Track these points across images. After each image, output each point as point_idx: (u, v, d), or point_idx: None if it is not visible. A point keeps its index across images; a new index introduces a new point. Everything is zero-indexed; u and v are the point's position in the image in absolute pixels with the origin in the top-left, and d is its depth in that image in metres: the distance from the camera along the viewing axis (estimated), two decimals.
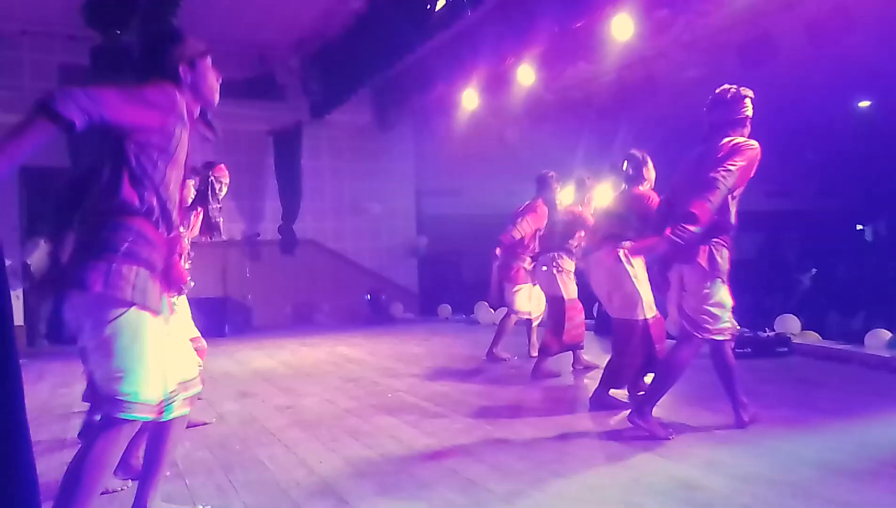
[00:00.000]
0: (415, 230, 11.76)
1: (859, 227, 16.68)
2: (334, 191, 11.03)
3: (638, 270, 3.99)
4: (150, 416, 2.05)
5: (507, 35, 7.13)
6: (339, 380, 5.29)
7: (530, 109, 9.66)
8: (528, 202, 5.72)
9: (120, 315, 1.97)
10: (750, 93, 3.37)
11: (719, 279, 3.27)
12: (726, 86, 3.41)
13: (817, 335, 6.17)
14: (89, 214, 2.07)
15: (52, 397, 5.09)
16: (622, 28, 6.53)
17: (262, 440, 3.58)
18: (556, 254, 5.13)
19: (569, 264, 5.12)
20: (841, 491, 2.52)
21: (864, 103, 11.67)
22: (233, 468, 3.12)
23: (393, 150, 11.34)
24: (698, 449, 3.11)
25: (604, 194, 5.40)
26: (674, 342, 3.51)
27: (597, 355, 5.50)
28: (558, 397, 4.49)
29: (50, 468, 3.08)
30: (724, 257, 3.26)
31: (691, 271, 3.28)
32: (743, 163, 3.16)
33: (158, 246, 2.08)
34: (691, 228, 3.07)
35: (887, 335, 5.39)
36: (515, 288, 5.73)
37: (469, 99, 9.03)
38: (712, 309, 3.26)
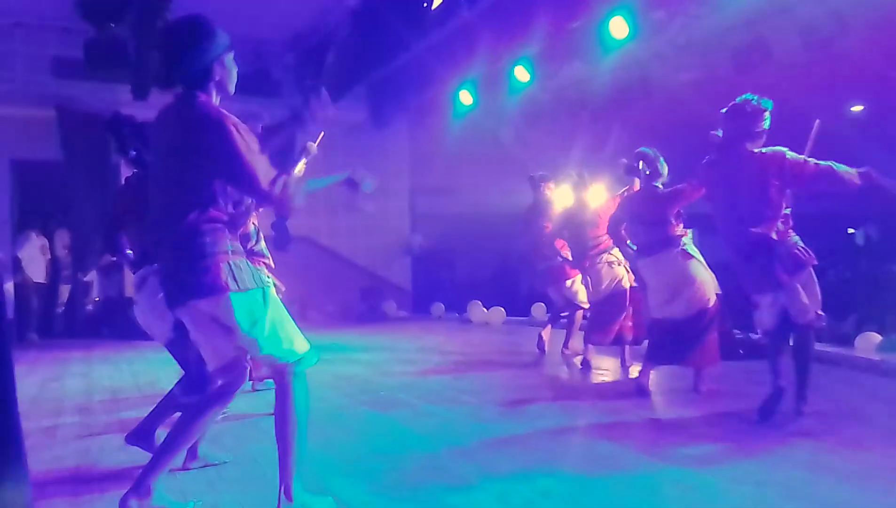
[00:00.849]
0: (409, 228, 11.75)
1: (850, 231, 16.78)
2: (328, 188, 10.98)
3: (698, 256, 4.16)
4: (316, 359, 2.41)
5: (503, 34, 7.14)
6: (331, 377, 5.27)
7: (525, 109, 9.66)
8: (533, 205, 5.79)
9: (259, 297, 2.21)
10: (770, 105, 3.45)
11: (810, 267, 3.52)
12: (748, 97, 3.47)
13: None
14: (175, 223, 2.16)
15: (42, 391, 5.06)
16: (618, 29, 6.55)
17: (254, 437, 3.57)
18: (611, 248, 5.15)
19: (620, 255, 5.13)
20: (832, 492, 2.54)
21: (857, 108, 11.73)
22: (224, 464, 3.10)
23: (388, 148, 11.32)
24: (690, 449, 3.13)
25: (599, 194, 5.42)
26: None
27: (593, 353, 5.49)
28: (555, 395, 4.50)
29: (41, 461, 3.07)
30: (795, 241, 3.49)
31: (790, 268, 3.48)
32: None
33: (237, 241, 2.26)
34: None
35: (877, 338, 5.43)
36: (572, 282, 5.73)
37: (464, 98, 9.03)
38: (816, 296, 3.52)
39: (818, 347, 5.68)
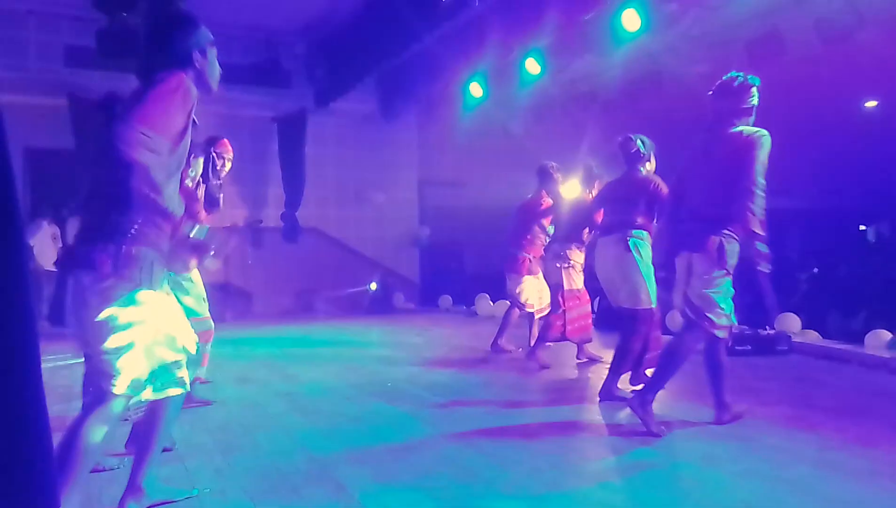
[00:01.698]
0: (417, 221, 11.76)
1: (862, 227, 16.65)
2: (337, 179, 11.02)
3: (646, 258, 4.00)
4: (138, 392, 2.11)
5: (515, 26, 7.11)
6: (339, 367, 5.30)
7: (536, 102, 9.62)
8: (532, 196, 5.71)
9: (126, 295, 2.02)
10: (757, 81, 3.34)
11: (726, 272, 3.26)
12: (733, 74, 3.37)
13: (817, 334, 6.17)
14: (97, 197, 2.10)
15: (52, 377, 5.10)
16: (630, 21, 6.50)
17: (262, 426, 3.59)
18: (566, 246, 5.10)
19: (578, 257, 5.10)
20: (839, 489, 2.53)
21: (871, 103, 11.61)
22: (232, 452, 3.13)
23: (397, 140, 11.32)
24: (697, 445, 3.12)
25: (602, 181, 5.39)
26: (673, 334, 3.51)
27: (598, 348, 5.50)
28: (558, 389, 4.50)
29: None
30: (733, 251, 3.25)
31: (700, 258, 3.27)
32: (764, 157, 3.16)
33: (165, 229, 2.12)
34: (760, 242, 3.13)
35: (887, 335, 5.39)
36: (521, 280, 5.72)
37: (475, 90, 9.00)
38: (717, 298, 3.25)
39: (829, 344, 5.68)
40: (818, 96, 9.93)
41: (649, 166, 4.15)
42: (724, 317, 3.30)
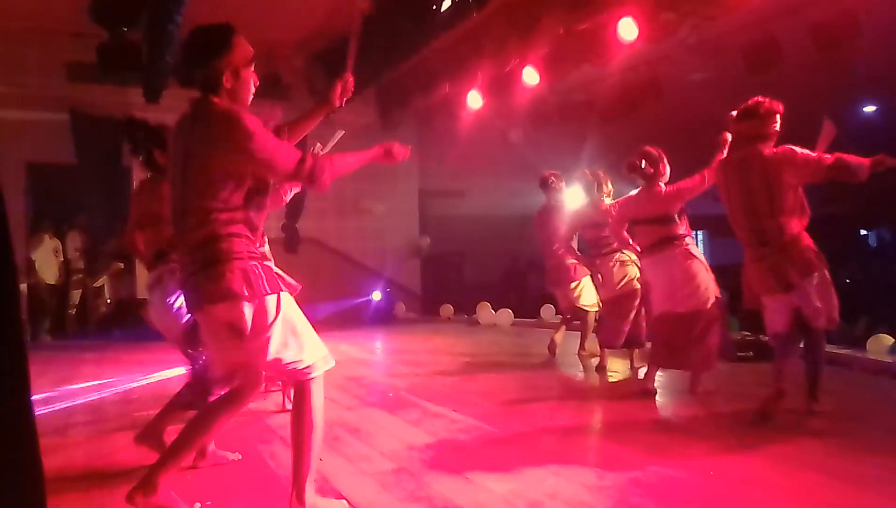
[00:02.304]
0: (418, 231, 11.77)
1: (863, 232, 16.64)
2: (337, 190, 11.01)
3: (700, 257, 4.16)
4: (330, 364, 2.44)
5: (512, 37, 7.14)
6: (340, 378, 5.29)
7: (534, 111, 9.66)
8: (543, 208, 5.84)
9: (274, 304, 2.23)
10: (781, 109, 3.48)
11: (824, 269, 3.52)
12: (759, 98, 3.50)
13: None
14: (192, 228, 2.19)
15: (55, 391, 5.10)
16: (627, 31, 6.53)
17: (263, 437, 3.59)
18: (609, 259, 5.12)
19: (628, 256, 5.07)
20: (843, 497, 2.52)
21: (870, 108, 11.65)
22: (233, 464, 3.12)
23: None
24: (698, 452, 3.11)
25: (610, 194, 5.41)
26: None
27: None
28: (562, 396, 4.49)
29: (54, 460, 3.10)
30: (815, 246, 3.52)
31: (812, 277, 3.50)
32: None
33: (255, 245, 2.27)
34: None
35: (889, 340, 5.38)
36: (575, 286, 5.71)
37: (473, 100, 9.04)
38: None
39: (830, 349, 5.66)
40: (815, 103, 9.96)
41: (665, 178, 4.21)
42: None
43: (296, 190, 3.23)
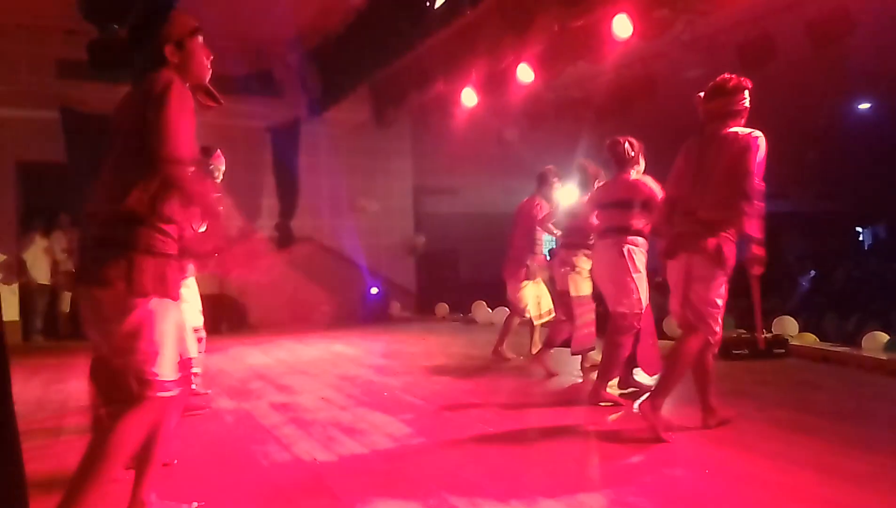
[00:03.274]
0: (412, 229, 11.74)
1: (859, 230, 16.71)
2: (331, 188, 10.99)
3: (639, 264, 3.99)
4: (174, 392, 2.16)
5: (507, 34, 7.10)
6: (334, 378, 5.26)
7: (529, 109, 9.63)
8: (527, 200, 5.71)
9: (143, 305, 2.07)
10: (749, 84, 3.36)
11: (724, 275, 3.27)
12: (726, 75, 3.39)
13: (815, 337, 6.16)
14: (102, 211, 2.11)
15: (46, 393, 5.05)
16: (622, 27, 6.51)
17: (257, 437, 3.56)
18: (573, 252, 4.94)
19: (585, 263, 4.88)
20: (839, 494, 2.51)
21: (865, 105, 11.68)
22: (227, 465, 3.09)
23: (391, 148, 11.31)
24: (694, 451, 3.10)
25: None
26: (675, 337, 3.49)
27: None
28: (556, 396, 4.47)
29: (45, 462, 3.06)
30: (730, 254, 3.26)
31: (700, 261, 3.26)
32: (762, 159, 3.19)
33: (172, 238, 2.16)
34: (756, 245, 3.17)
35: (884, 337, 5.39)
36: (519, 286, 5.68)
37: (468, 97, 9.01)
38: (718, 302, 3.26)
39: (825, 346, 5.67)
40: (811, 100, 9.98)
41: (639, 168, 4.15)
42: (718, 322, 3.30)
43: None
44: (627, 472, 2.83)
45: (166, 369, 2.13)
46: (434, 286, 11.52)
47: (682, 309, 3.38)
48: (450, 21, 7.08)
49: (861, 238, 16.73)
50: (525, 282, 5.65)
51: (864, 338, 5.51)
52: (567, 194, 5.70)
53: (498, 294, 10.84)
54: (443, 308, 10.24)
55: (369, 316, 10.17)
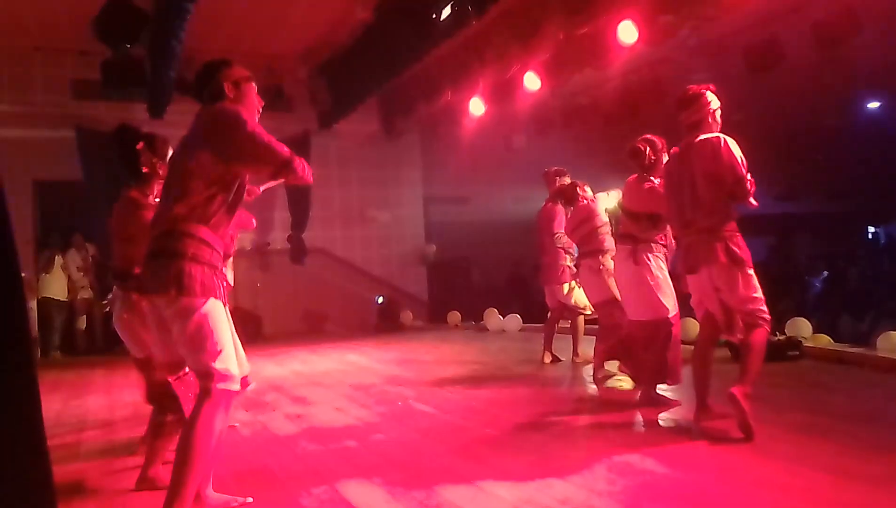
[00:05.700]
0: (423, 238, 11.78)
1: (871, 229, 16.56)
2: (343, 200, 11.08)
3: (655, 271, 3.97)
4: (237, 386, 2.41)
5: (513, 43, 7.16)
6: (348, 388, 5.30)
7: (537, 116, 9.68)
8: (544, 205, 5.82)
9: (203, 305, 2.31)
10: (706, 88, 3.48)
11: (747, 269, 3.31)
12: (688, 87, 3.54)
13: (829, 338, 6.11)
14: (156, 228, 2.40)
15: (65, 408, 5.13)
16: (628, 34, 6.54)
17: (273, 449, 3.59)
18: (595, 258, 4.96)
19: (610, 262, 4.84)
20: (854, 497, 2.50)
21: (874, 104, 11.61)
22: (242, 476, 3.13)
23: (400, 158, 11.39)
24: (710, 454, 3.10)
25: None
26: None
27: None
28: (572, 403, 4.48)
29: (65, 477, 3.11)
30: (742, 248, 3.32)
31: (719, 269, 3.32)
32: (738, 152, 3.30)
33: (218, 249, 2.41)
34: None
35: None
36: (566, 287, 5.68)
37: (476, 106, 9.07)
38: (755, 294, 3.32)
39: (839, 347, 5.63)
40: (820, 101, 9.94)
41: (658, 173, 4.11)
42: (766, 310, 3.35)
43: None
44: (642, 477, 2.84)
45: (229, 363, 2.35)
46: (446, 295, 11.55)
47: (724, 316, 3.44)
48: (456, 32, 7.14)
49: (873, 237, 16.58)
50: (568, 282, 5.66)
51: (878, 338, 5.45)
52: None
53: (509, 302, 10.89)
54: (455, 316, 10.25)
55: (381, 326, 10.20)
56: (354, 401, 4.78)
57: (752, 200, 3.31)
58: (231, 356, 2.36)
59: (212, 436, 2.30)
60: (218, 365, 2.31)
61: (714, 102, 3.45)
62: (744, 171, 3.27)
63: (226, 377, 2.32)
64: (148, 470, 2.96)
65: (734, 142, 3.33)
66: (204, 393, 2.32)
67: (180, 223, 2.32)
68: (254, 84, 2.62)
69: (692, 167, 3.39)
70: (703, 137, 3.39)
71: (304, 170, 2.45)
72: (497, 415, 4.12)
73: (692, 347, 3.70)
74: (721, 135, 3.36)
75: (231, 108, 2.46)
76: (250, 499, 2.70)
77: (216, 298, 2.34)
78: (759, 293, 3.34)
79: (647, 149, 4.07)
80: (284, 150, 2.40)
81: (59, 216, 9.23)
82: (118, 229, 3.40)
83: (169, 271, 2.27)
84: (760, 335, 3.33)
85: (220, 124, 2.42)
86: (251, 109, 2.56)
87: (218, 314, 2.34)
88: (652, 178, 4.04)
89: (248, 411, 4.60)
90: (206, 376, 2.31)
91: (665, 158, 4.08)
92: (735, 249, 3.29)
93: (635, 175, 4.16)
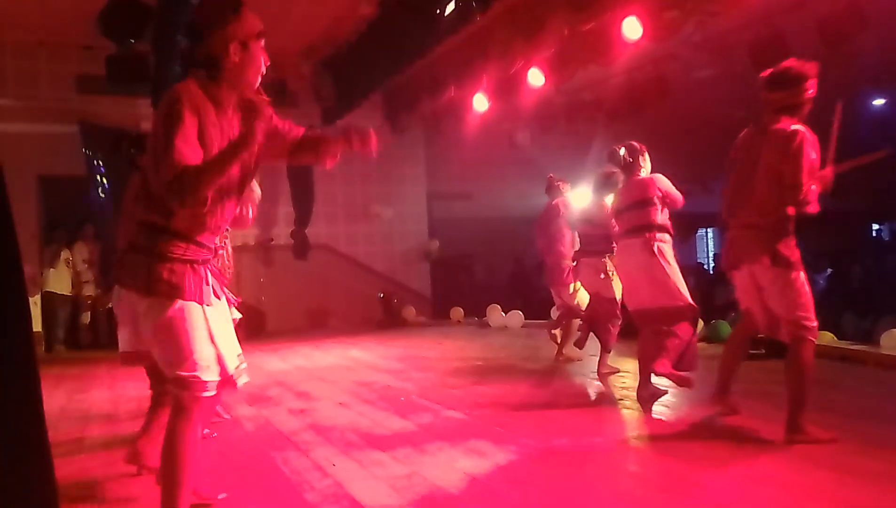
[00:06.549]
0: (426, 234, 11.79)
1: (875, 226, 16.50)
2: (346, 195, 11.08)
3: (669, 258, 3.96)
4: (213, 391, 2.16)
5: (517, 39, 7.14)
6: (352, 384, 5.31)
7: (541, 112, 9.65)
8: (547, 206, 5.85)
9: (170, 308, 2.06)
10: (813, 71, 3.11)
11: (796, 272, 3.08)
12: (789, 62, 3.16)
13: (832, 335, 6.11)
14: (130, 218, 2.24)
15: (69, 402, 5.15)
16: (632, 30, 6.52)
17: (276, 444, 3.61)
18: (601, 259, 5.04)
19: (612, 266, 4.99)
20: (857, 494, 2.50)
21: (879, 101, 11.56)
22: (247, 471, 3.14)
23: (404, 154, 11.38)
24: (714, 451, 3.10)
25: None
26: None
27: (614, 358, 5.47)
28: (574, 399, 4.49)
29: (69, 471, 3.13)
30: (791, 251, 3.09)
31: (763, 269, 3.13)
32: (807, 157, 3.03)
33: (199, 241, 2.13)
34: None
35: None
36: (572, 288, 5.71)
37: (479, 102, 9.05)
38: (802, 300, 3.07)
39: (844, 345, 5.63)
40: (824, 97, 9.90)
41: (645, 169, 4.18)
42: (813, 316, 3.09)
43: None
44: (648, 473, 2.84)
45: (199, 370, 2.10)
46: (449, 291, 11.56)
47: (766, 319, 3.26)
48: (460, 27, 7.12)
49: (878, 235, 16.52)
50: (573, 283, 5.67)
51: (882, 336, 5.45)
52: (578, 198, 5.74)
53: (512, 298, 10.88)
54: (458, 312, 10.26)
55: (384, 322, 10.21)
56: (357, 396, 4.79)
57: (811, 207, 3.04)
58: (204, 360, 2.10)
59: (190, 444, 2.14)
60: (184, 373, 2.08)
61: (813, 89, 3.11)
62: (804, 178, 2.99)
63: (194, 384, 2.09)
64: (139, 440, 3.01)
65: (813, 139, 3.02)
66: (176, 402, 2.16)
67: (153, 214, 2.06)
68: (262, 40, 2.12)
69: (758, 155, 3.12)
70: (779, 126, 3.07)
71: (194, 198, 1.97)
72: (500, 412, 4.13)
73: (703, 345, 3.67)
74: (800, 128, 3.04)
75: (175, 91, 2.02)
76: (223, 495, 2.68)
77: (186, 299, 2.06)
78: (807, 299, 3.08)
79: (623, 151, 4.16)
80: (186, 160, 1.93)
81: (64, 211, 9.26)
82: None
83: (136, 269, 2.07)
84: (806, 352, 3.06)
85: (160, 109, 2.03)
86: (254, 74, 2.12)
87: (188, 317, 2.07)
88: (639, 173, 4.15)
89: (251, 405, 4.62)
90: (174, 382, 2.12)
91: (644, 160, 4.14)
92: (782, 250, 3.05)
93: (626, 177, 4.26)
